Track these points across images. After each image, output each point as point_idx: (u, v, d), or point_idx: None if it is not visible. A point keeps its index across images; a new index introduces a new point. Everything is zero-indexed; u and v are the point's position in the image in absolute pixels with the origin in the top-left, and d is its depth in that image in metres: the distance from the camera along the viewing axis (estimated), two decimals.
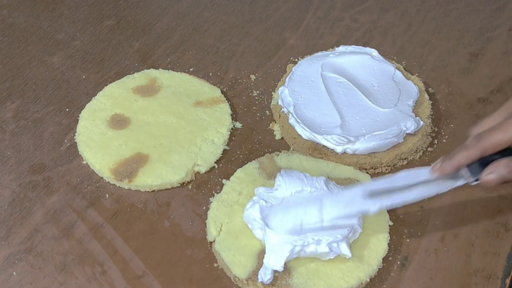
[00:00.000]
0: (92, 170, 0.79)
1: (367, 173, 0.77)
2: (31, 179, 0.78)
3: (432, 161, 0.78)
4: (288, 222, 0.65)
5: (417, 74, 0.89)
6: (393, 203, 0.63)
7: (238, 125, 0.84)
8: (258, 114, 0.86)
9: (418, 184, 0.63)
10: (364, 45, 0.91)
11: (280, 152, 0.77)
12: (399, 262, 0.69)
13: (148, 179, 0.76)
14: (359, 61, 0.86)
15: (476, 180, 0.61)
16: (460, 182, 0.62)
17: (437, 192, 0.63)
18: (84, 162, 0.80)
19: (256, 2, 1.04)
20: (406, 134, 0.78)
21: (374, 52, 0.87)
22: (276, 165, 0.75)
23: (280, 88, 0.85)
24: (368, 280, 0.67)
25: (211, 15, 1.02)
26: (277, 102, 0.84)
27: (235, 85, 0.90)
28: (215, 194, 0.75)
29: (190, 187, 0.77)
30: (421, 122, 0.78)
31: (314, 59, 0.87)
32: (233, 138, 0.82)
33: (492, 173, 0.59)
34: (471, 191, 0.75)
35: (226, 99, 0.86)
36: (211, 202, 0.73)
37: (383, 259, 0.68)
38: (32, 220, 0.74)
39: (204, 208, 0.74)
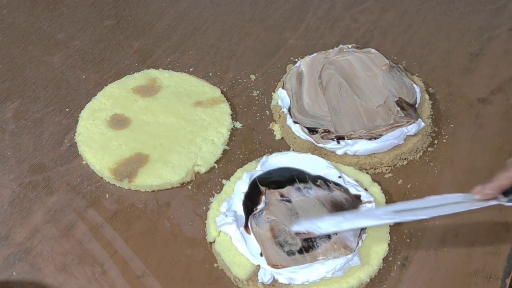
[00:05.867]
0: (92, 170, 0.79)
1: (367, 173, 0.77)
2: (31, 179, 0.78)
3: (432, 161, 0.78)
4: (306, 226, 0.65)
5: (417, 74, 0.89)
6: (418, 218, 0.64)
7: (238, 125, 0.84)
8: (258, 114, 0.86)
9: (448, 204, 0.63)
10: (364, 45, 0.91)
11: (280, 152, 0.77)
12: (399, 262, 0.69)
13: (148, 179, 0.76)
14: (359, 61, 0.86)
15: (509, 202, 0.61)
16: (493, 202, 0.62)
17: (467, 209, 0.62)
18: (84, 162, 0.80)
19: (256, 2, 1.04)
20: (407, 135, 0.78)
21: (374, 52, 0.87)
22: None
23: (279, 89, 0.85)
24: (369, 280, 0.67)
25: (211, 15, 1.02)
26: (277, 103, 0.84)
27: (235, 85, 0.90)
28: (215, 194, 0.75)
29: (190, 187, 0.77)
30: (422, 123, 0.78)
31: (314, 59, 0.87)
32: (233, 138, 0.82)
33: None
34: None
35: (226, 99, 0.86)
36: (211, 202, 0.73)
37: (383, 259, 0.68)
38: (32, 220, 0.74)
39: (204, 208, 0.74)
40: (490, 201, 0.61)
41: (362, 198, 0.69)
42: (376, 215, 0.65)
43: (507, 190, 0.61)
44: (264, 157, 0.74)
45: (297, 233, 0.65)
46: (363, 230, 0.67)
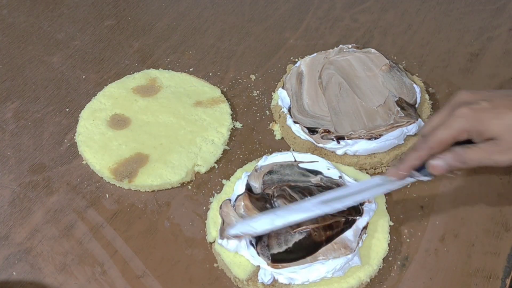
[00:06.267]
0: (92, 170, 0.79)
1: (367, 173, 0.77)
2: (31, 179, 0.78)
3: None
4: (241, 228, 0.65)
5: (417, 74, 0.89)
6: (345, 205, 0.65)
7: (238, 125, 0.84)
8: (258, 114, 0.86)
9: (369, 188, 0.66)
10: (364, 45, 0.91)
11: (280, 152, 0.77)
12: (399, 262, 0.69)
13: (148, 179, 0.76)
14: (359, 61, 0.86)
15: (424, 176, 0.63)
16: (410, 180, 0.64)
17: (387, 190, 0.66)
18: (84, 162, 0.80)
19: (256, 2, 1.04)
20: (407, 135, 0.78)
21: (374, 52, 0.87)
22: None
23: (279, 89, 0.85)
24: (369, 280, 0.67)
25: (211, 15, 1.02)
26: (277, 103, 0.84)
27: (235, 85, 0.90)
28: (215, 194, 0.75)
29: (190, 187, 0.77)
30: (422, 123, 0.78)
31: (314, 59, 0.87)
32: (233, 138, 0.82)
33: (439, 159, 0.61)
34: (472, 191, 0.75)
35: (226, 99, 0.86)
36: (211, 202, 0.73)
37: (383, 259, 0.68)
38: (32, 220, 0.74)
39: (204, 208, 0.74)
40: (406, 179, 0.64)
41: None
42: (306, 208, 0.65)
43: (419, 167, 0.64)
44: (264, 157, 0.74)
45: (234, 236, 0.65)
46: (363, 230, 0.67)
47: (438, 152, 0.61)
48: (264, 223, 0.64)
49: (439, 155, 0.61)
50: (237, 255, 0.67)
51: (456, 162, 0.61)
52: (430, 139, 0.61)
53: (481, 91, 0.63)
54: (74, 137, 0.82)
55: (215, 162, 0.79)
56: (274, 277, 0.65)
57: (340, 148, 0.76)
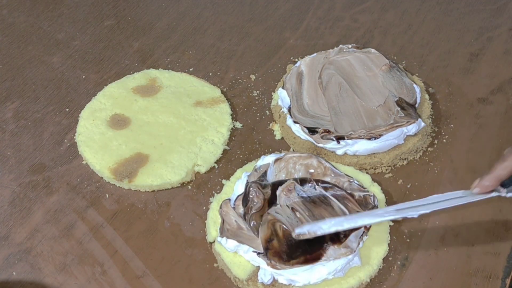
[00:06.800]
0: (92, 170, 0.79)
1: (367, 173, 0.77)
2: (31, 179, 0.78)
3: (432, 161, 0.78)
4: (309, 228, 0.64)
5: (417, 74, 0.89)
6: (419, 213, 0.62)
7: (238, 125, 0.84)
8: (258, 114, 0.86)
9: (449, 199, 0.62)
10: (364, 45, 0.91)
11: (280, 152, 0.77)
12: (399, 262, 0.69)
13: (148, 179, 0.76)
14: (359, 61, 0.86)
15: (510, 191, 0.60)
16: (493, 194, 0.61)
17: (466, 202, 0.62)
18: (84, 162, 0.80)
19: (256, 2, 1.04)
20: (407, 135, 0.78)
21: (374, 52, 0.87)
22: None
23: (279, 89, 0.85)
24: (369, 280, 0.67)
25: (211, 15, 1.02)
26: (277, 103, 0.84)
27: (235, 85, 0.90)
28: (215, 194, 0.75)
29: (190, 187, 0.77)
30: (422, 123, 0.78)
31: (314, 59, 0.87)
32: (233, 138, 0.82)
33: None
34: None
35: (226, 99, 0.86)
36: (211, 202, 0.73)
37: (383, 259, 0.68)
38: (32, 220, 0.74)
39: (204, 208, 0.74)
40: (490, 193, 0.60)
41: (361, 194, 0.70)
42: (377, 214, 0.64)
43: (505, 182, 0.60)
44: (262, 157, 0.74)
45: (298, 235, 0.64)
46: (364, 232, 0.66)
47: None
48: (332, 224, 0.63)
49: None
50: (237, 255, 0.67)
51: None
52: None
53: None
54: (74, 137, 0.82)
55: (215, 162, 0.79)
56: (274, 277, 0.65)
57: (340, 148, 0.76)
